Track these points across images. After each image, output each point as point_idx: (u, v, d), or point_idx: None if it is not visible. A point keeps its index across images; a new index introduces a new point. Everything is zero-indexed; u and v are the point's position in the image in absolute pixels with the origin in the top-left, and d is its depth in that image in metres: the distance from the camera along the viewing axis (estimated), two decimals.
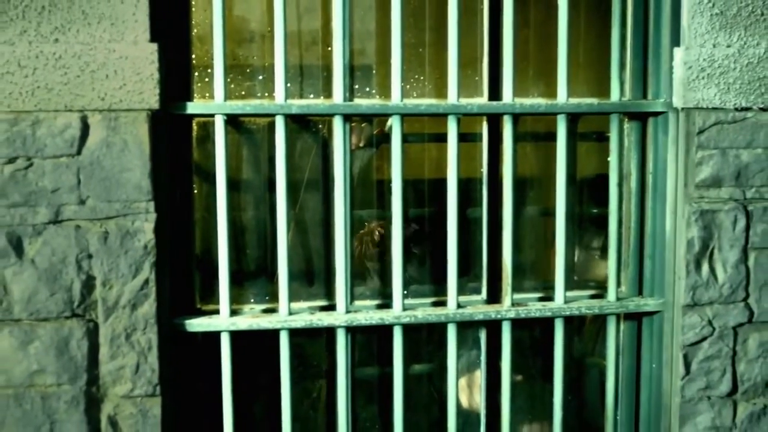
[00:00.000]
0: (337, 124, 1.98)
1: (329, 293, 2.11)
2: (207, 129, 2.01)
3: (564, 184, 2.06)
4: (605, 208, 2.12)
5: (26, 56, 1.78)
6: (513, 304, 2.08)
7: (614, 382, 2.16)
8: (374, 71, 2.14)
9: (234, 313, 1.98)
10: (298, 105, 1.95)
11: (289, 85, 1.95)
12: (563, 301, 2.09)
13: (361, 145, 2.15)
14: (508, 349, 2.09)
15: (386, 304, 2.08)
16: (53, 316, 1.83)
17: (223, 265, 1.94)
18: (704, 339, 2.09)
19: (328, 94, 2.06)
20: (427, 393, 2.26)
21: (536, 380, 2.30)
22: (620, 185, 2.12)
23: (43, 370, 1.83)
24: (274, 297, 2.07)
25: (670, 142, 2.09)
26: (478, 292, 2.16)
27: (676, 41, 2.04)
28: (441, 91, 2.11)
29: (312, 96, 2.11)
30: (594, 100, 2.10)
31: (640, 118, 2.13)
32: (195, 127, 2.00)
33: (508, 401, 2.10)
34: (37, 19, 1.78)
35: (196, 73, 2.01)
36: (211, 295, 2.04)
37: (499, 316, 2.07)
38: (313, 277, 2.15)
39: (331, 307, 2.07)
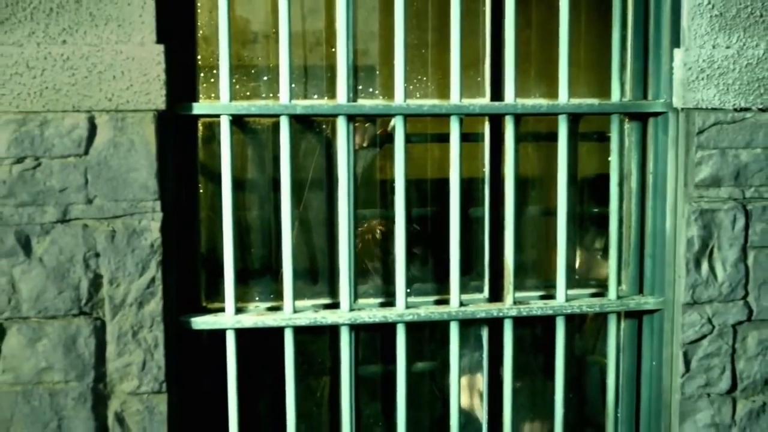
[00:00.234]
0: (341, 124, 2.00)
1: (333, 291, 2.13)
2: (212, 129, 2.03)
3: (565, 183, 2.09)
4: (606, 208, 2.14)
5: (34, 57, 1.80)
6: (515, 303, 2.11)
7: (615, 380, 2.18)
8: (377, 72, 2.16)
9: (239, 311, 2.01)
10: (302, 105, 1.98)
11: (293, 85, 1.97)
12: (564, 299, 2.12)
13: (365, 145, 2.18)
14: (510, 346, 2.11)
15: (389, 302, 2.10)
16: (61, 314, 1.86)
17: (229, 264, 1.97)
18: (704, 337, 2.12)
19: (332, 94, 2.08)
20: (430, 390, 2.29)
21: (538, 377, 2.32)
22: (621, 185, 2.15)
23: (51, 368, 1.86)
24: (278, 295, 2.09)
25: (670, 142, 2.11)
26: (480, 290, 2.18)
27: (676, 42, 2.06)
28: (443, 92, 2.13)
29: (316, 96, 2.13)
30: (595, 101, 2.12)
31: (641, 118, 2.15)
32: (200, 128, 2.02)
33: (510, 398, 2.12)
34: (45, 21, 1.80)
35: (202, 74, 2.03)
36: (217, 293, 2.06)
37: (501, 314, 2.09)
38: (317, 276, 2.17)
39: (334, 305, 2.09)
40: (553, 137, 2.09)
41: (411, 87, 2.15)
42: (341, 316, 2.03)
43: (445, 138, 2.06)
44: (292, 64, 1.96)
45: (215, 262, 2.04)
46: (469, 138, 2.15)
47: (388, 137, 2.14)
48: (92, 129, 1.84)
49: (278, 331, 2.01)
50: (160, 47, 1.83)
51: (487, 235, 2.16)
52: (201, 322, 1.97)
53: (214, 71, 2.00)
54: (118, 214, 1.86)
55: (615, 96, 2.11)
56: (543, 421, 2.31)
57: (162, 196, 1.87)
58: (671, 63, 2.07)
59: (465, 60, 2.03)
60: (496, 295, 2.16)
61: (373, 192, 2.22)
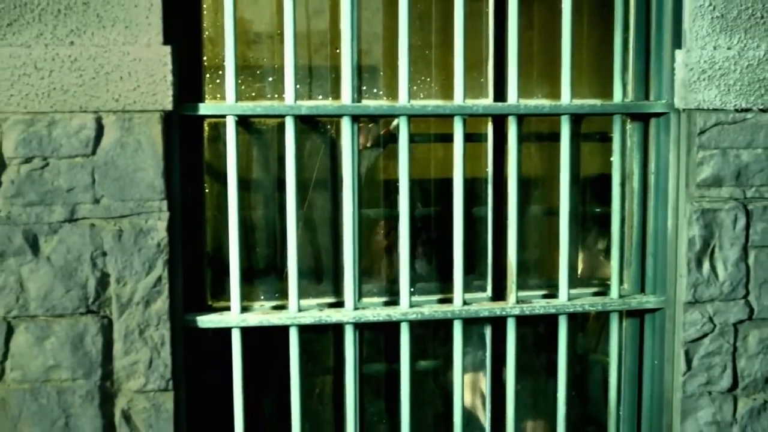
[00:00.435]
0: (346, 124, 2.02)
1: (337, 290, 2.15)
2: (218, 129, 2.05)
3: (567, 183, 2.11)
4: (608, 207, 2.16)
5: (42, 58, 1.82)
6: (518, 302, 2.12)
7: (617, 378, 2.20)
8: (381, 72, 2.18)
9: (244, 309, 2.03)
10: (307, 106, 1.99)
11: (298, 86, 1.99)
12: (567, 298, 2.13)
13: (369, 145, 2.19)
14: (513, 345, 2.12)
15: (393, 301, 2.12)
16: (68, 313, 1.87)
17: (234, 263, 1.98)
18: (705, 335, 2.13)
19: (337, 95, 2.10)
20: (433, 389, 2.30)
21: (540, 376, 2.33)
22: (623, 185, 2.16)
23: (59, 366, 1.87)
24: (283, 294, 2.11)
25: (671, 143, 2.13)
26: (483, 289, 2.20)
27: (677, 44, 2.08)
28: (447, 92, 2.15)
29: (320, 97, 2.15)
30: (597, 102, 2.14)
31: (643, 118, 2.17)
32: (206, 128, 2.04)
33: (513, 396, 2.14)
34: (53, 23, 1.82)
35: (207, 75, 2.05)
36: (222, 292, 2.08)
37: (504, 313, 2.11)
38: (322, 275, 2.18)
39: (339, 304, 2.11)
40: (556, 137, 2.11)
41: (415, 88, 2.17)
42: (346, 314, 2.05)
43: (448, 138, 2.08)
44: (297, 65, 1.98)
45: (221, 261, 2.06)
46: (472, 138, 2.16)
47: (392, 137, 2.16)
48: (99, 129, 1.86)
49: (283, 330, 2.03)
50: (167, 48, 1.85)
51: (490, 234, 2.17)
52: (207, 321, 1.99)
53: (220, 72, 2.02)
54: (125, 213, 1.88)
55: (617, 97, 2.13)
56: (545, 419, 2.32)
57: (168, 195, 1.89)
58: (673, 64, 2.09)
59: (468, 61, 2.05)
60: (499, 294, 2.18)
61: (377, 192, 2.23)
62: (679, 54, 2.07)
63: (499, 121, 2.13)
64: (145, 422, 1.92)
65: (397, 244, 2.08)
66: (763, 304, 2.14)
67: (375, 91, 2.17)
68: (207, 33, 2.04)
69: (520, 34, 2.06)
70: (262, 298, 2.14)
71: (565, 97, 2.09)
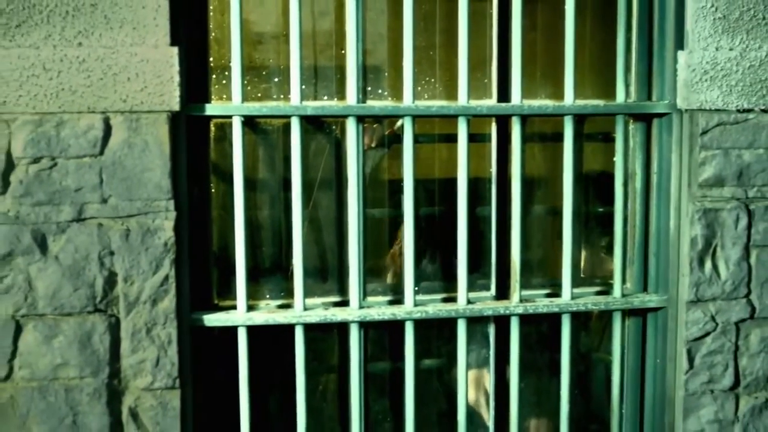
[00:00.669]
0: (351, 125, 2.03)
1: (342, 289, 2.17)
2: (224, 130, 2.06)
3: (571, 183, 2.12)
4: (611, 207, 2.17)
5: (51, 59, 1.83)
6: (521, 300, 2.14)
7: (620, 376, 2.22)
8: (386, 73, 2.20)
9: (250, 308, 2.04)
10: (313, 107, 2.01)
11: (303, 87, 2.01)
12: (570, 297, 2.15)
13: (373, 145, 2.21)
14: (517, 343, 2.14)
15: (398, 300, 2.14)
16: (76, 311, 1.89)
17: (240, 262, 2.00)
18: (707, 334, 2.15)
19: (342, 95, 2.12)
20: (437, 387, 2.32)
21: (543, 374, 2.35)
22: (625, 185, 2.18)
23: (67, 364, 1.89)
24: (289, 293, 2.12)
25: (674, 143, 2.14)
26: (487, 288, 2.21)
27: (679, 45, 2.10)
28: (451, 92, 2.16)
29: (326, 97, 2.16)
30: (600, 102, 2.15)
31: (645, 119, 2.19)
32: (212, 128, 2.05)
33: (516, 394, 2.15)
34: (62, 24, 1.84)
35: (214, 76, 2.06)
36: (228, 291, 2.10)
37: (507, 312, 2.13)
38: (327, 274, 2.20)
39: (344, 303, 2.12)
40: (559, 138, 2.12)
41: (419, 88, 2.18)
42: (351, 313, 2.06)
43: (452, 138, 2.09)
44: (302, 66, 1.99)
45: (227, 261, 2.08)
46: (476, 138, 2.18)
47: (396, 137, 2.18)
48: (107, 130, 1.87)
49: (289, 328, 2.05)
50: (174, 49, 1.87)
51: (494, 234, 2.19)
52: (213, 320, 2.00)
53: (226, 73, 2.04)
54: (133, 213, 1.89)
55: (620, 97, 2.14)
56: (549, 417, 2.33)
57: (175, 195, 1.91)
58: (675, 65, 2.10)
59: (472, 62, 2.07)
60: (502, 294, 2.19)
61: (381, 192, 2.25)
62: (681, 55, 2.08)
63: (503, 122, 2.15)
64: (152, 420, 1.93)
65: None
66: (764, 303, 2.16)
67: (380, 91, 2.18)
68: (213, 34, 2.05)
69: (524, 35, 2.08)
70: (267, 297, 2.16)
71: (569, 97, 2.10)
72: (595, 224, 2.33)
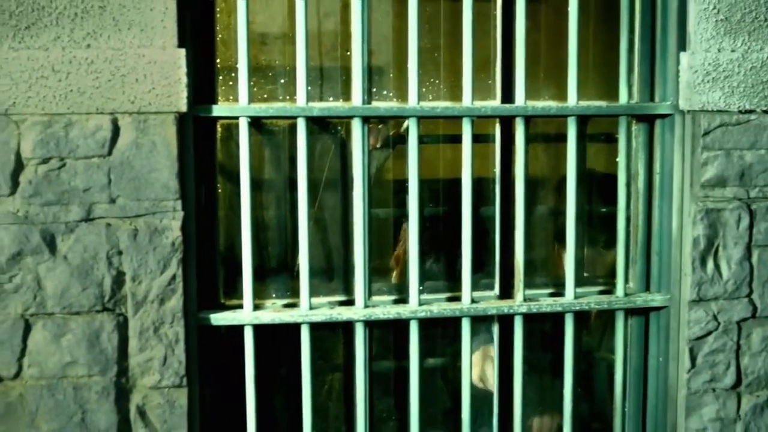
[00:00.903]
0: (356, 126, 2.05)
1: (348, 289, 2.19)
2: (230, 130, 2.08)
3: (574, 183, 2.14)
4: (614, 207, 2.19)
5: (60, 61, 1.85)
6: (525, 300, 2.16)
7: (622, 375, 2.23)
8: (391, 74, 2.21)
9: (257, 307, 2.06)
10: (318, 108, 2.03)
11: (309, 88, 2.03)
12: (573, 296, 2.17)
13: (378, 146, 2.23)
14: (521, 342, 2.16)
15: (402, 299, 2.16)
16: (85, 310, 1.91)
17: (247, 262, 2.02)
18: (709, 333, 2.16)
19: (347, 96, 2.14)
20: (441, 385, 2.33)
21: (547, 373, 2.36)
22: (628, 185, 2.19)
23: (75, 362, 1.91)
24: (294, 292, 2.14)
25: (676, 144, 2.16)
26: (491, 288, 2.23)
27: (682, 46, 2.12)
28: (455, 94, 2.18)
29: (331, 98, 2.18)
30: (603, 103, 2.17)
31: (648, 120, 2.20)
32: (219, 129, 2.07)
33: (520, 393, 2.17)
34: (70, 26, 1.86)
35: (220, 77, 2.08)
36: (234, 290, 2.12)
37: (511, 311, 2.14)
38: (332, 273, 2.22)
39: (349, 302, 2.14)
40: (563, 138, 2.14)
41: (424, 89, 2.20)
42: (356, 312, 2.08)
43: (456, 139, 2.11)
44: (308, 68, 2.01)
45: (233, 260, 2.10)
46: (480, 139, 2.19)
47: (401, 138, 2.19)
48: (115, 130, 1.89)
49: (295, 327, 2.06)
50: (182, 51, 1.89)
51: (498, 233, 2.20)
52: (220, 318, 2.02)
53: (233, 74, 2.06)
54: (141, 213, 1.91)
55: (623, 98, 2.16)
56: (552, 415, 2.35)
57: (183, 195, 1.93)
58: (677, 66, 2.12)
59: (476, 63, 2.08)
60: (506, 293, 2.21)
61: (386, 192, 2.27)
62: (683, 56, 2.10)
63: (507, 123, 2.17)
64: (160, 418, 1.95)
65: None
66: (766, 302, 2.18)
67: (384, 92, 2.20)
68: (220, 36, 2.07)
69: (528, 36, 2.10)
70: (273, 296, 2.18)
71: (572, 98, 2.12)
72: (598, 224, 2.35)
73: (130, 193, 1.90)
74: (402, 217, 2.20)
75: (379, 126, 2.21)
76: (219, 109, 2.00)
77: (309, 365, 2.07)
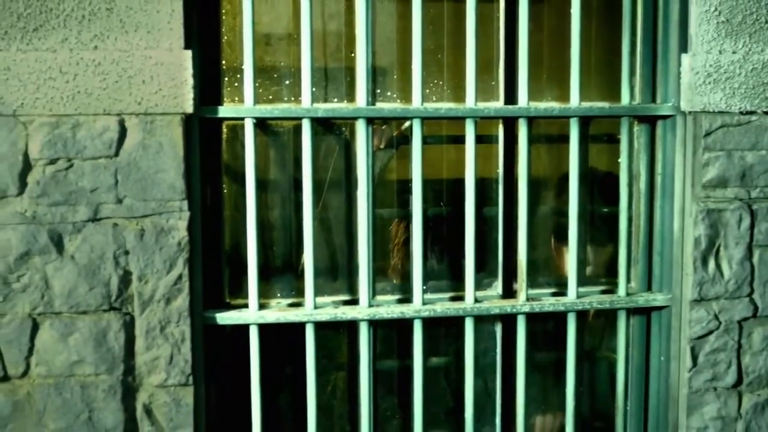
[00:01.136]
0: (361, 126, 2.07)
1: (352, 288, 2.20)
2: (236, 131, 2.10)
3: (576, 184, 2.16)
4: (616, 207, 2.21)
5: (67, 63, 1.87)
6: (528, 299, 2.17)
7: (624, 374, 2.25)
8: (395, 75, 2.23)
9: (262, 307, 2.07)
10: (323, 109, 2.04)
11: (314, 89, 2.04)
12: (576, 296, 2.18)
13: (382, 146, 2.24)
14: (523, 341, 2.17)
15: (406, 299, 2.17)
16: (92, 310, 1.92)
17: (252, 261, 2.03)
18: (711, 332, 2.18)
19: (352, 97, 2.15)
20: (445, 384, 2.35)
21: (549, 372, 2.38)
22: (630, 185, 2.21)
23: (83, 361, 1.93)
24: (299, 292, 2.16)
25: (678, 144, 2.18)
26: (494, 287, 2.25)
27: (683, 48, 2.13)
28: (458, 94, 2.19)
29: (336, 99, 2.20)
30: (605, 104, 2.19)
31: (650, 121, 2.22)
32: (225, 130, 2.09)
33: (523, 391, 2.19)
34: (78, 28, 1.87)
35: (226, 78, 2.10)
36: (239, 289, 2.13)
37: (514, 311, 2.16)
38: (337, 273, 2.24)
39: (354, 302, 2.16)
40: (565, 139, 2.16)
41: (427, 90, 2.22)
42: (360, 311, 2.10)
43: (460, 140, 2.13)
44: (313, 69, 2.03)
45: (239, 260, 2.11)
46: (483, 140, 2.20)
47: (404, 138, 2.21)
48: (122, 131, 1.91)
49: (300, 327, 2.08)
50: (188, 53, 1.90)
51: (501, 233, 2.22)
52: (226, 318, 2.04)
53: (238, 75, 2.07)
54: (147, 213, 1.93)
55: (625, 99, 2.18)
56: (555, 414, 2.37)
57: (189, 196, 1.94)
58: (679, 68, 2.14)
59: (479, 64, 2.10)
60: (509, 292, 2.23)
61: (390, 192, 2.28)
62: (685, 58, 2.11)
63: (510, 123, 2.18)
64: (166, 416, 1.97)
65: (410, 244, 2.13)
66: (767, 302, 2.19)
67: (389, 93, 2.22)
68: (226, 37, 2.09)
69: (530, 38, 2.11)
70: (278, 295, 2.19)
71: (574, 99, 2.14)
72: (600, 224, 2.36)
73: (136, 194, 1.92)
74: (406, 217, 2.21)
75: (383, 127, 2.23)
76: (225, 110, 2.01)
77: (314, 364, 2.08)
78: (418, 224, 2.10)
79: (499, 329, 2.23)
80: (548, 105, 2.16)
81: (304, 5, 2.00)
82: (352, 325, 2.19)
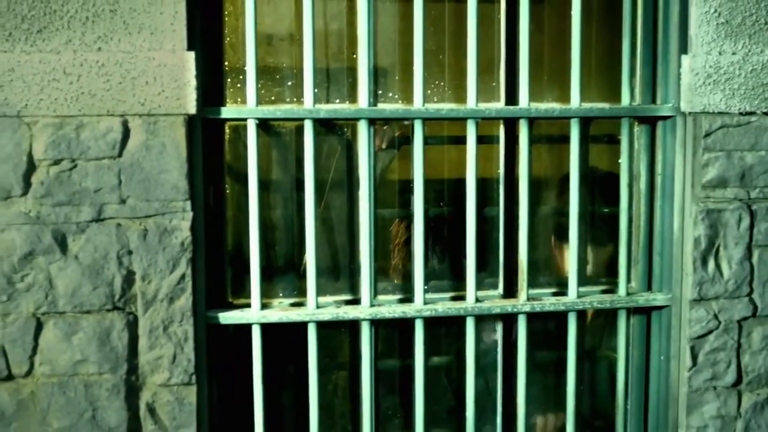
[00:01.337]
0: (362, 127, 2.08)
1: (354, 288, 2.21)
2: (239, 132, 2.11)
3: (577, 184, 2.17)
4: (616, 208, 2.22)
5: (71, 64, 1.88)
6: (528, 299, 2.19)
7: (624, 374, 2.26)
8: (396, 76, 2.24)
9: (264, 306, 2.09)
10: (326, 110, 2.06)
11: (316, 90, 2.05)
12: (576, 295, 2.20)
13: (384, 146, 2.25)
14: (524, 341, 2.19)
15: (408, 298, 2.18)
16: (95, 309, 1.94)
17: (255, 261, 2.05)
18: (710, 332, 2.19)
19: (354, 98, 2.17)
20: (446, 383, 2.36)
21: (550, 371, 2.39)
22: (630, 186, 2.22)
23: (86, 360, 1.94)
24: (301, 292, 2.17)
25: (677, 145, 2.19)
26: (494, 287, 2.26)
27: (683, 49, 2.14)
28: (460, 95, 2.21)
29: (338, 100, 2.21)
30: (606, 105, 2.20)
31: (650, 121, 2.23)
32: (227, 130, 2.10)
33: (524, 390, 2.20)
34: (82, 29, 1.88)
35: (229, 79, 2.11)
36: (242, 289, 2.14)
37: (515, 310, 2.17)
38: (339, 273, 2.25)
39: (355, 301, 2.17)
40: (566, 140, 2.17)
41: (429, 91, 2.23)
42: (362, 311, 2.11)
43: (461, 140, 2.14)
44: (315, 70, 2.04)
45: (241, 260, 2.12)
46: (484, 140, 2.22)
47: (406, 139, 2.22)
48: (126, 132, 1.92)
49: (302, 326, 2.09)
50: (191, 54, 1.91)
51: (502, 233, 2.23)
52: (229, 317, 2.05)
53: (241, 76, 2.08)
54: (150, 213, 1.94)
55: (625, 100, 2.19)
56: (555, 413, 2.38)
57: (192, 196, 1.95)
58: (679, 69, 2.15)
59: (480, 65, 2.11)
60: (510, 292, 2.24)
61: (391, 192, 2.29)
62: (685, 59, 2.13)
63: (511, 124, 2.20)
64: (169, 415, 1.98)
65: (411, 244, 2.14)
66: (766, 301, 2.21)
67: (390, 94, 2.23)
68: (228, 39, 2.10)
69: (531, 39, 2.12)
70: (281, 295, 2.21)
71: (575, 100, 2.15)
72: (600, 224, 2.37)
73: (140, 194, 1.93)
74: (407, 217, 2.22)
75: (385, 127, 2.24)
76: (227, 111, 2.02)
77: (316, 363, 2.10)
78: (420, 224, 2.11)
79: (500, 329, 2.24)
80: (549, 106, 2.17)
81: (306, 6, 2.02)
82: (353, 325, 2.21)
